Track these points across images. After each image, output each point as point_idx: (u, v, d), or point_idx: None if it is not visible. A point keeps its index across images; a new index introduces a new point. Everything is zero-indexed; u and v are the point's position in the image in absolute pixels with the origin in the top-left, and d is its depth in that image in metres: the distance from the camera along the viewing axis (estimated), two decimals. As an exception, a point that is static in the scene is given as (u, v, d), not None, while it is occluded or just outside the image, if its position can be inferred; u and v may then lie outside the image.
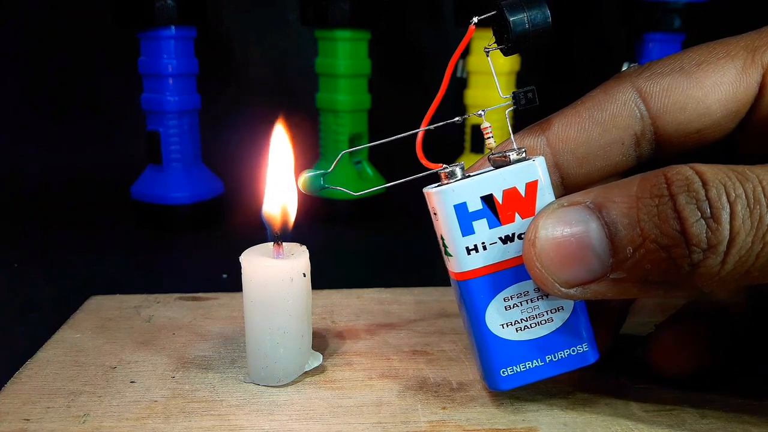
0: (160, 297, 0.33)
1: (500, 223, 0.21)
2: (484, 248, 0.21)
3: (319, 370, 0.26)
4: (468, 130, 0.56)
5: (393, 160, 0.69)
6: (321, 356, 0.27)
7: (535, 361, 0.22)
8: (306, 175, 0.23)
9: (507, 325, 0.22)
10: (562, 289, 0.20)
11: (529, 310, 0.22)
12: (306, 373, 0.26)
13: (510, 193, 0.21)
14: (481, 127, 0.22)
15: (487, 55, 0.22)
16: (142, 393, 0.24)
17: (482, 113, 0.22)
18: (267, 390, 0.25)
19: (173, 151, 0.50)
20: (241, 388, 0.25)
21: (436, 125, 0.23)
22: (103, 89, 0.68)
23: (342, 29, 0.51)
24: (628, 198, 0.19)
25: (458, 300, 0.23)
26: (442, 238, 0.22)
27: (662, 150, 0.23)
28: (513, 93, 0.22)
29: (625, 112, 0.23)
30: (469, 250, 0.21)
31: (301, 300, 0.25)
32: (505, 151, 0.22)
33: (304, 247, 0.26)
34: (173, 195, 0.50)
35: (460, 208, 0.21)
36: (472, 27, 0.21)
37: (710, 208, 0.18)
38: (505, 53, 0.21)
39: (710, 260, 0.18)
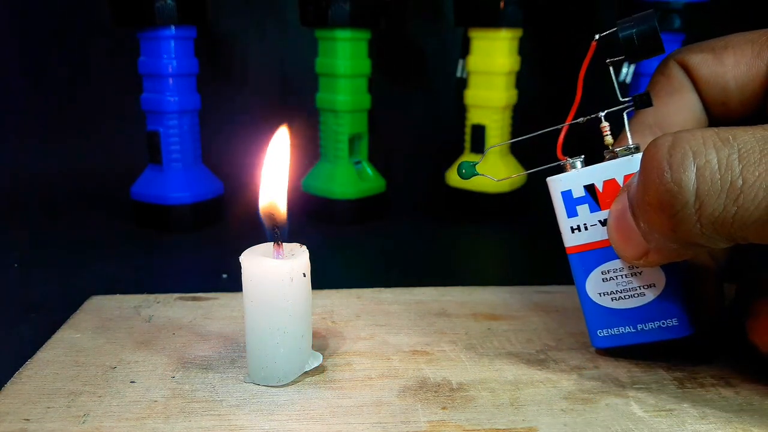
0: (160, 297, 0.33)
1: (600, 208, 0.25)
2: (586, 228, 0.25)
3: (319, 370, 0.26)
4: (468, 130, 0.55)
5: (392, 160, 0.69)
6: (321, 356, 0.27)
7: (627, 327, 0.26)
8: (463, 163, 0.26)
9: (603, 294, 0.26)
10: (633, 262, 0.24)
11: (623, 284, 0.25)
12: (306, 373, 0.26)
13: (609, 183, 0.25)
14: (600, 126, 0.25)
15: (610, 67, 0.26)
16: (142, 393, 0.24)
17: (602, 115, 0.26)
18: (267, 390, 0.25)
19: (173, 151, 0.50)
20: (241, 388, 0.25)
21: (576, 120, 0.26)
22: (103, 89, 0.68)
23: (342, 29, 0.50)
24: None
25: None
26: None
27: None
28: (631, 95, 0.25)
29: (687, 85, 0.26)
30: (573, 229, 0.26)
31: (301, 300, 0.25)
32: (623, 147, 0.25)
33: (304, 247, 0.26)
34: (173, 195, 0.50)
35: (566, 195, 0.25)
36: (593, 43, 0.25)
37: (672, 173, 0.20)
38: (631, 61, 0.25)
39: (686, 218, 0.20)
